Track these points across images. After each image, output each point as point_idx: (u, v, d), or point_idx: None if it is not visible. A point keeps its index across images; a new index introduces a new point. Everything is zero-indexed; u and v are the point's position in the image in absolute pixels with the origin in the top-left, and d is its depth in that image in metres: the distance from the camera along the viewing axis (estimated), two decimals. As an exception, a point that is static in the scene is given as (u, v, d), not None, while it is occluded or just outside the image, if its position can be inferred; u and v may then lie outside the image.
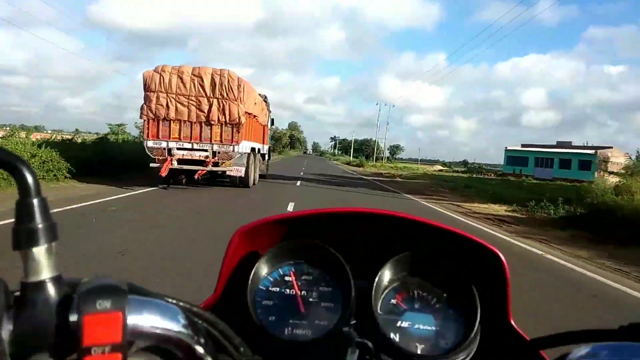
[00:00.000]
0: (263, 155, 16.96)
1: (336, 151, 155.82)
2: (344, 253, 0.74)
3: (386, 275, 0.75)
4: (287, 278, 0.75)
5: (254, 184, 14.14)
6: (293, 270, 0.76)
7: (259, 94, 15.07)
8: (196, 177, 12.13)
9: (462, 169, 69.46)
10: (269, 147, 19.02)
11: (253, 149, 13.77)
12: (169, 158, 11.48)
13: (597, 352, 0.46)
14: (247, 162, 12.75)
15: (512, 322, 0.72)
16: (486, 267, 0.74)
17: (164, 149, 11.60)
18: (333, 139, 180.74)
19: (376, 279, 0.72)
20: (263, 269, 0.75)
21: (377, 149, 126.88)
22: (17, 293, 0.36)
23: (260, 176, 16.26)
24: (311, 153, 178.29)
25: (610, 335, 0.48)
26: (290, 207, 9.85)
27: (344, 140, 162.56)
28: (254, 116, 13.70)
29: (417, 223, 0.76)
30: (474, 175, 43.91)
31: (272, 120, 19.53)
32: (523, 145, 55.55)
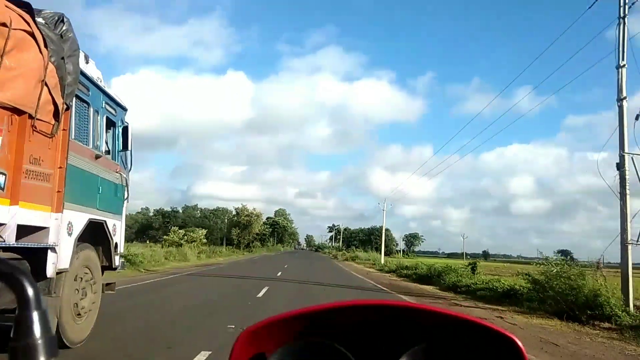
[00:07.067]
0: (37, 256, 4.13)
1: (340, 244, 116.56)
2: (356, 349, 0.71)
3: None
4: None
5: None
6: None
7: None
8: None
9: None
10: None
11: None
12: None
13: None
14: None
15: None
16: (504, 356, 0.70)
17: None
18: (332, 228, 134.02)
19: None
20: None
21: (390, 240, 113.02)
22: None
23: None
24: (304, 248, 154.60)
25: None
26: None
27: (346, 229, 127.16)
28: None
29: (430, 313, 0.73)
30: None
31: (126, 129, 6.74)
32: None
